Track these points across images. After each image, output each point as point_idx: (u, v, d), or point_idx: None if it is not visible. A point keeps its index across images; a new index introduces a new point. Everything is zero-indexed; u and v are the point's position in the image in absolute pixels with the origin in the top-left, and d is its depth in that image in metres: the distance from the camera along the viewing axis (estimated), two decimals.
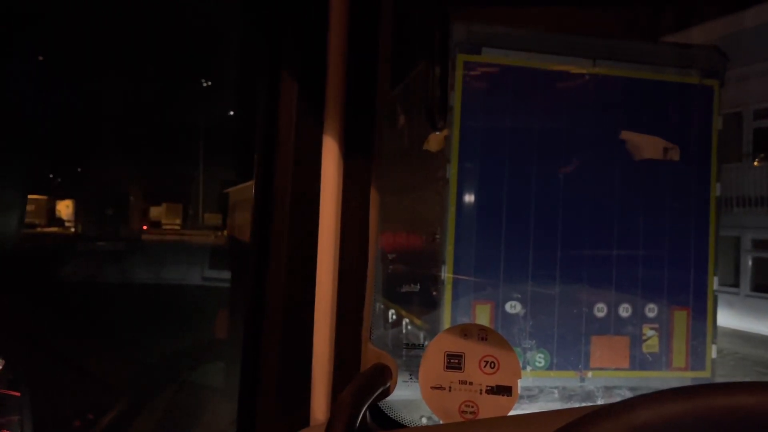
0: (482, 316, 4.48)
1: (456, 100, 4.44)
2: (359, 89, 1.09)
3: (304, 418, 1.08)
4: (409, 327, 5.21)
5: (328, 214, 1.07)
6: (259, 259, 1.09)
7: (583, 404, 4.36)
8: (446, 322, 4.47)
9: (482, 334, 1.15)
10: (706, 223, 4.83)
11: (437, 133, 4.52)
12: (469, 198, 4.53)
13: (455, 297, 4.48)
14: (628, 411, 0.57)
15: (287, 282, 1.08)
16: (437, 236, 4.66)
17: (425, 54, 1.08)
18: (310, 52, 1.07)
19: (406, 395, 1.29)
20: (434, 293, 4.58)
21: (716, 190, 4.85)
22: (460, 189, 4.51)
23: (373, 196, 1.11)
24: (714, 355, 4.83)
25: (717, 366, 4.90)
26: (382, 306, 5.36)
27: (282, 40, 1.10)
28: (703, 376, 4.77)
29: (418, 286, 4.81)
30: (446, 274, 4.47)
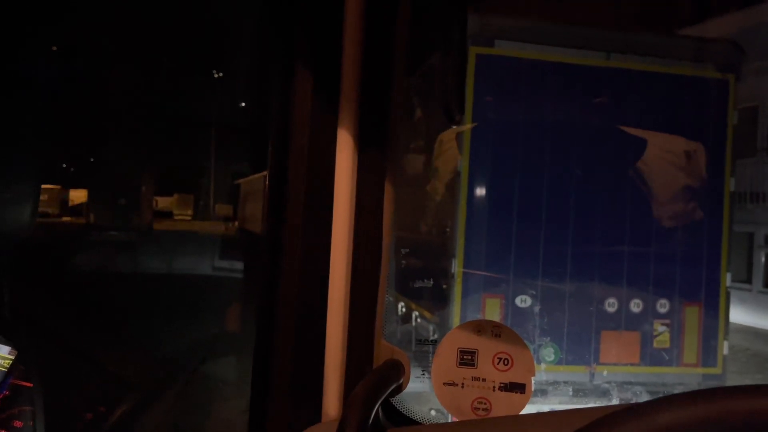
0: (492, 310, 4.47)
1: (468, 92, 4.41)
2: (375, 82, 1.07)
3: (316, 413, 1.08)
4: (418, 320, 5.21)
5: (342, 209, 1.07)
6: (272, 254, 1.09)
7: (597, 400, 4.36)
8: (456, 316, 4.47)
9: (496, 330, 1.13)
10: (719, 219, 4.78)
11: (454, 127, 4.50)
12: (480, 191, 4.51)
13: (465, 291, 4.48)
14: (653, 412, 0.56)
15: (300, 277, 1.07)
16: (448, 229, 4.64)
17: (442, 46, 1.06)
18: (325, 43, 1.06)
19: (414, 388, 1.29)
20: (444, 287, 4.58)
21: (730, 185, 4.81)
22: (471, 182, 4.49)
23: (388, 191, 1.10)
24: (726, 351, 4.80)
25: (729, 363, 4.87)
26: (391, 298, 5.35)
27: (297, 31, 1.08)
28: (715, 372, 4.75)
29: (431, 282, 4.81)
30: (457, 267, 4.46)
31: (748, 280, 11.37)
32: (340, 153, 1.06)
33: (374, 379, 1.03)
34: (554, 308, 4.52)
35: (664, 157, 4.68)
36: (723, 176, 4.79)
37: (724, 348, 4.79)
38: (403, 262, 4.93)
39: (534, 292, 4.51)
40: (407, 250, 5.12)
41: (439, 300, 4.71)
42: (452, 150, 4.72)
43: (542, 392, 4.48)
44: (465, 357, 1.13)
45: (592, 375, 4.57)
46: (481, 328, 1.14)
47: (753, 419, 0.54)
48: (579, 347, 4.55)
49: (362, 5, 1.05)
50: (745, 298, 10.70)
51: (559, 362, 4.51)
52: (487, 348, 1.12)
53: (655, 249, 4.67)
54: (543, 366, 4.45)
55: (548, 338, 4.51)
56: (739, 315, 8.72)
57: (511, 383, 1.12)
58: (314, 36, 1.07)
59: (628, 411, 0.58)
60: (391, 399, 1.13)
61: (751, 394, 0.56)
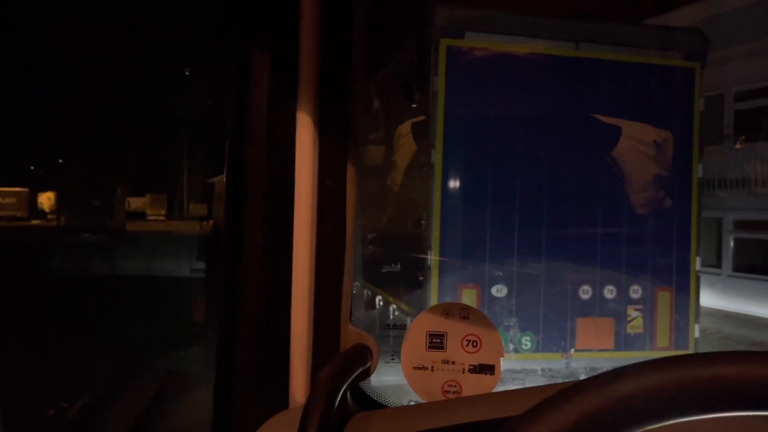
0: (469, 300, 4.49)
1: (440, 84, 4.41)
2: (334, 66, 1.06)
3: (283, 400, 1.07)
4: (396, 313, 5.22)
5: (305, 191, 1.05)
6: (233, 240, 1.07)
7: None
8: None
9: (464, 312, 1.13)
10: (688, 205, 4.86)
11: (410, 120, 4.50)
12: (454, 182, 4.53)
13: (442, 281, 4.49)
14: (612, 382, 0.56)
15: (263, 263, 1.06)
16: (423, 222, 4.65)
17: (403, 32, 1.05)
18: (282, 23, 1.04)
19: (394, 380, 1.28)
20: (421, 278, 4.59)
21: (698, 171, 4.89)
22: (445, 173, 4.50)
23: (350, 175, 1.09)
24: (697, 334, 4.89)
25: (700, 345, 4.97)
26: (369, 293, 5.37)
27: (253, 18, 1.07)
28: None
29: (399, 266, 4.83)
30: (433, 258, 4.47)
31: (718, 265, 11.58)
32: (299, 137, 1.04)
33: (340, 363, 1.02)
34: (530, 297, 4.56)
35: (634, 144, 4.74)
36: (691, 163, 4.87)
37: (696, 331, 4.88)
38: (370, 248, 4.93)
39: (509, 282, 4.54)
40: (378, 239, 5.12)
41: (415, 291, 4.72)
42: (410, 143, 4.74)
43: (517, 380, 4.52)
44: (434, 340, 1.13)
45: (568, 361, 4.62)
46: (449, 310, 1.14)
47: (713, 385, 0.55)
48: (554, 334, 4.60)
49: None
50: (715, 282, 10.90)
51: (535, 350, 4.55)
52: (455, 330, 1.12)
53: (626, 236, 4.74)
54: (516, 353, 4.49)
55: (524, 326, 4.55)
56: (709, 299, 8.88)
57: (480, 365, 1.12)
58: (270, 16, 1.05)
59: (588, 382, 0.58)
60: (360, 384, 1.12)
61: (711, 360, 0.56)
